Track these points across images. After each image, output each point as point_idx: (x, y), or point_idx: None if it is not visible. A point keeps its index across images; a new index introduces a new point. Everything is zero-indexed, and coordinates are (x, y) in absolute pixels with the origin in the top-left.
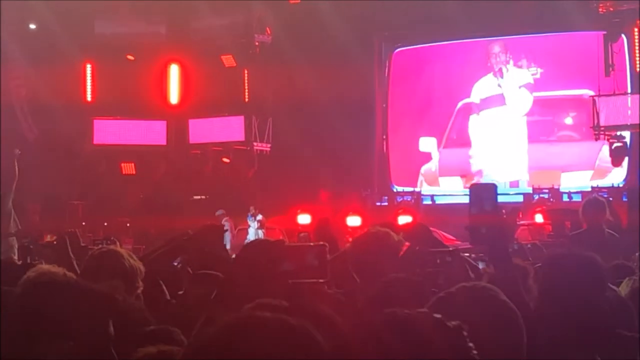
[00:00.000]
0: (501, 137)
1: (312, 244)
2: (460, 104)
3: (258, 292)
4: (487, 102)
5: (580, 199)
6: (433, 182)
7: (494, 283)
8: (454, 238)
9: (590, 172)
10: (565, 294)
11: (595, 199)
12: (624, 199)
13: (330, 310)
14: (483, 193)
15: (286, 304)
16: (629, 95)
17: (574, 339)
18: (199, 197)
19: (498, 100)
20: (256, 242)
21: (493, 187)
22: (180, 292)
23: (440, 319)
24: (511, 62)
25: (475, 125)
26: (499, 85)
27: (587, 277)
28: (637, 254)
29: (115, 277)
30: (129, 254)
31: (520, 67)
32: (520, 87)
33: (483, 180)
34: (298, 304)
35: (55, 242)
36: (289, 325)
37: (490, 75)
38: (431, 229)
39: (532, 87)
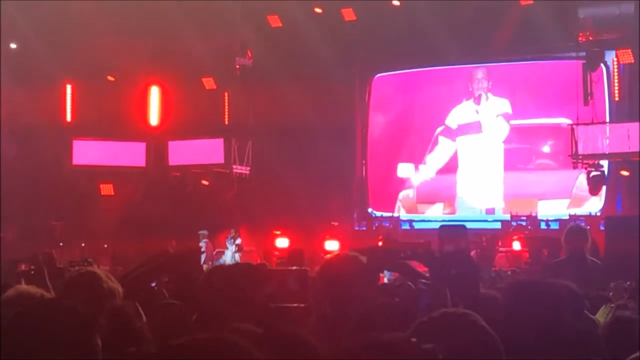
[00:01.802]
0: (478, 164)
1: (293, 268)
2: (438, 130)
3: (238, 315)
4: (464, 129)
5: (557, 227)
6: (411, 208)
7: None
8: None
9: (567, 201)
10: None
11: (578, 227)
12: (602, 228)
13: (309, 335)
14: (452, 234)
15: (259, 330)
16: (608, 124)
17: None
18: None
19: (475, 127)
20: (239, 265)
21: (462, 228)
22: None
23: (415, 342)
24: (489, 92)
25: (452, 151)
26: (477, 112)
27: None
28: (612, 283)
29: (93, 299)
30: (107, 275)
31: (499, 96)
32: (497, 115)
33: (459, 207)
34: (277, 329)
35: (32, 272)
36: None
37: (469, 102)
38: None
39: (510, 116)
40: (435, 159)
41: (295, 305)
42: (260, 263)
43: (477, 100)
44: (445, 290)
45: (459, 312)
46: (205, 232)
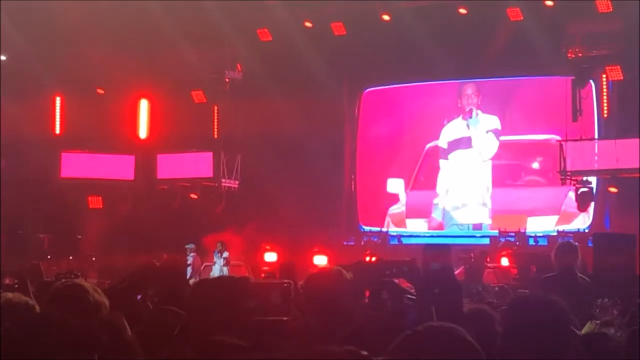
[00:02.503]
0: (466, 180)
1: (276, 281)
2: (428, 146)
3: (222, 328)
4: (454, 145)
5: (546, 243)
6: (400, 223)
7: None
8: None
9: (556, 217)
10: (529, 337)
11: (568, 244)
12: (589, 244)
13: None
14: (436, 253)
15: (243, 343)
16: (596, 140)
17: None
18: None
19: (465, 142)
20: (222, 278)
21: (446, 247)
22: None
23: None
24: (479, 109)
25: (443, 168)
26: (467, 127)
27: (552, 321)
28: (599, 300)
29: (79, 312)
30: (94, 287)
31: (488, 112)
32: (487, 131)
33: (446, 223)
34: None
35: (16, 286)
36: None
37: (459, 119)
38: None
39: (499, 132)
40: (425, 174)
41: (278, 318)
42: (243, 276)
43: (467, 116)
44: (431, 306)
45: (444, 326)
46: (192, 245)
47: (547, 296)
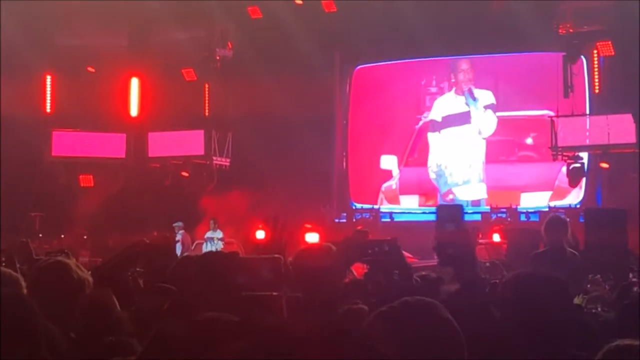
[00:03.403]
0: (464, 156)
1: (266, 256)
2: (421, 123)
3: (211, 304)
4: (450, 120)
5: (537, 219)
6: (393, 200)
7: (459, 301)
8: (411, 256)
9: (550, 193)
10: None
11: (557, 218)
12: (581, 220)
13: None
14: (449, 214)
15: (235, 318)
16: (588, 116)
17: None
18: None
19: (461, 118)
20: (210, 254)
21: (459, 208)
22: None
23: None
24: (472, 84)
25: (436, 143)
26: (466, 104)
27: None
28: (590, 276)
29: (63, 289)
30: (77, 265)
31: (482, 88)
32: (485, 108)
33: (442, 199)
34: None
35: (3, 264)
36: None
37: (452, 93)
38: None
39: (495, 107)
40: (419, 151)
41: (268, 293)
42: (233, 251)
43: (463, 92)
44: (412, 283)
45: (421, 301)
46: (180, 223)
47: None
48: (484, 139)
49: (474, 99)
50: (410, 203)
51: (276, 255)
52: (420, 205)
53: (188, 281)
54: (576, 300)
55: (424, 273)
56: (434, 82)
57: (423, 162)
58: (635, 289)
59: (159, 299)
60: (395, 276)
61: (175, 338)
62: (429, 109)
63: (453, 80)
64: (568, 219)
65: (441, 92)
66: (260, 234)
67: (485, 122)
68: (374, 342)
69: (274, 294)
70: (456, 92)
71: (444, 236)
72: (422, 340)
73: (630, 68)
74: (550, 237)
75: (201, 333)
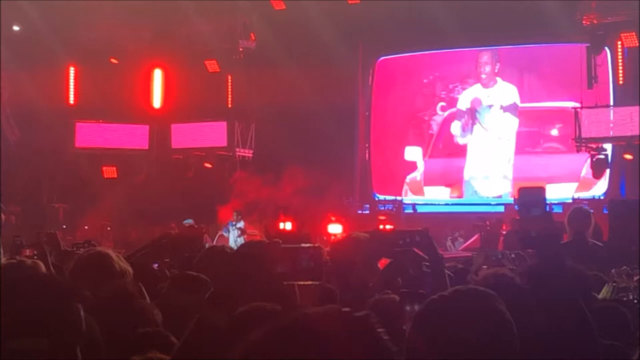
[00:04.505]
0: (488, 150)
1: (307, 245)
2: (446, 114)
3: (251, 294)
4: (475, 112)
5: (561, 210)
6: (418, 191)
7: (545, 285)
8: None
9: (575, 184)
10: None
11: (581, 209)
12: (605, 211)
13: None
14: (531, 197)
15: (279, 307)
16: (611, 107)
17: (558, 344)
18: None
19: (486, 111)
20: (252, 243)
21: (541, 191)
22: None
23: (348, 311)
24: (498, 76)
25: (462, 134)
26: (488, 96)
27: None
28: (613, 270)
29: (104, 279)
30: (118, 255)
31: (508, 80)
32: (505, 108)
33: (466, 192)
34: (291, 306)
35: (35, 257)
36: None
37: (478, 85)
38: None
39: (516, 107)
40: (444, 142)
41: (309, 282)
42: (274, 240)
43: (486, 84)
44: (445, 274)
45: (473, 290)
46: (190, 221)
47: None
48: (506, 138)
49: (490, 88)
50: (434, 194)
51: (317, 245)
52: (446, 197)
53: (222, 271)
54: (604, 291)
55: (449, 264)
56: (458, 74)
57: (448, 153)
58: None
59: (192, 288)
60: (423, 267)
61: (217, 328)
62: (454, 100)
63: (478, 72)
64: (592, 211)
65: (467, 84)
66: (283, 226)
67: (501, 126)
68: (424, 330)
69: (316, 283)
70: (483, 85)
71: (525, 219)
72: (472, 329)
73: None
74: (574, 228)
75: (244, 322)
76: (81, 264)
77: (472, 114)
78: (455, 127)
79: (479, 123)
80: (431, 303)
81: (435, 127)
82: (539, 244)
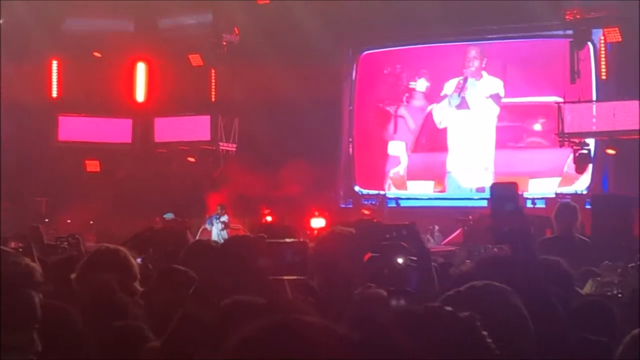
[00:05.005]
0: (470, 142)
1: (292, 240)
2: (429, 109)
3: (236, 288)
4: (458, 105)
5: (544, 205)
6: (401, 185)
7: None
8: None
9: (558, 179)
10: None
11: (568, 204)
12: (587, 206)
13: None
14: (504, 193)
15: (264, 300)
16: (594, 102)
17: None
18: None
19: (464, 103)
20: (237, 238)
21: (513, 186)
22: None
23: (452, 311)
24: (484, 70)
25: (442, 121)
26: (467, 88)
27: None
28: (605, 262)
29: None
30: (125, 251)
31: (494, 75)
32: (487, 96)
33: (449, 186)
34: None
35: (21, 249)
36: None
37: (460, 78)
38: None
39: (499, 97)
40: (427, 137)
41: (294, 277)
42: (259, 235)
43: (469, 77)
44: (432, 269)
45: (489, 286)
46: (171, 215)
47: (550, 257)
48: (492, 126)
49: (472, 81)
50: (417, 188)
51: (302, 240)
52: (428, 192)
53: (207, 265)
54: (587, 286)
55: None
56: (443, 69)
57: (431, 148)
58: None
59: (177, 282)
60: (409, 261)
61: (202, 322)
62: (437, 94)
63: (466, 67)
64: (577, 206)
65: (448, 78)
66: (267, 219)
67: (484, 109)
68: (439, 327)
69: (301, 278)
70: (464, 78)
71: (498, 215)
72: (490, 325)
73: (637, 54)
74: (560, 223)
75: (228, 316)
76: (98, 260)
77: (459, 91)
78: (438, 111)
79: (464, 99)
80: (447, 299)
81: (417, 122)
82: (512, 239)
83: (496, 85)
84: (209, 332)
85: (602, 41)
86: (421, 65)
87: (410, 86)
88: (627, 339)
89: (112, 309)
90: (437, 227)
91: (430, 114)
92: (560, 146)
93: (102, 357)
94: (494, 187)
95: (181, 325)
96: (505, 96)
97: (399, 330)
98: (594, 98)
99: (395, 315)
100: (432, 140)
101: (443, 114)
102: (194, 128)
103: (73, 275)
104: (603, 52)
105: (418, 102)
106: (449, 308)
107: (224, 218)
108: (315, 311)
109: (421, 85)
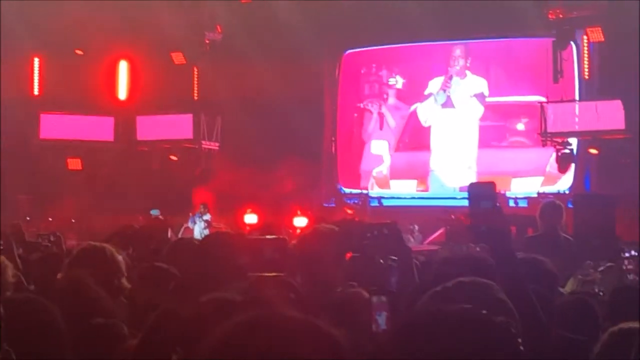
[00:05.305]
0: (452, 141)
1: (272, 237)
2: (412, 108)
3: (216, 285)
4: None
5: (526, 205)
6: (384, 184)
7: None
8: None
9: (541, 179)
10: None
11: (553, 203)
12: (569, 206)
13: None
14: (481, 192)
15: (240, 297)
16: (577, 102)
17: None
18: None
19: (448, 102)
20: (217, 234)
21: (491, 185)
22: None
23: (487, 315)
24: (468, 70)
25: (428, 119)
26: (450, 87)
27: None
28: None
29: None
30: (111, 249)
31: (478, 74)
32: (471, 95)
33: (432, 185)
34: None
35: (1, 247)
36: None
37: (444, 77)
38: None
39: (483, 97)
40: (410, 136)
41: (274, 274)
42: (239, 232)
43: (454, 75)
44: (412, 268)
45: (476, 282)
46: (157, 212)
47: (534, 256)
48: (475, 125)
49: (456, 80)
50: (400, 188)
51: (282, 237)
52: (411, 191)
53: (189, 263)
54: (569, 284)
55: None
56: (426, 68)
57: (414, 147)
58: (630, 275)
59: (160, 279)
60: (390, 261)
61: (180, 318)
62: (419, 93)
63: (450, 66)
64: (562, 205)
65: (432, 77)
66: (249, 218)
67: (468, 107)
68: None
69: (280, 274)
70: (447, 77)
71: (479, 213)
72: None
73: (620, 54)
74: (546, 222)
75: (206, 313)
76: (81, 257)
77: (445, 88)
78: (423, 109)
79: (449, 97)
80: (435, 295)
81: (398, 120)
82: (489, 238)
83: (480, 84)
84: (188, 329)
85: (585, 41)
86: (403, 64)
87: (390, 83)
88: (604, 337)
89: (91, 306)
90: (416, 227)
91: (414, 113)
92: (543, 145)
93: (79, 355)
94: (472, 187)
95: (160, 322)
96: (489, 95)
97: (434, 330)
98: (577, 97)
99: (429, 315)
100: (415, 139)
101: (429, 112)
102: (177, 126)
103: (59, 275)
104: (586, 51)
105: (398, 101)
106: (484, 312)
107: (207, 216)
108: (295, 308)
109: (400, 83)
